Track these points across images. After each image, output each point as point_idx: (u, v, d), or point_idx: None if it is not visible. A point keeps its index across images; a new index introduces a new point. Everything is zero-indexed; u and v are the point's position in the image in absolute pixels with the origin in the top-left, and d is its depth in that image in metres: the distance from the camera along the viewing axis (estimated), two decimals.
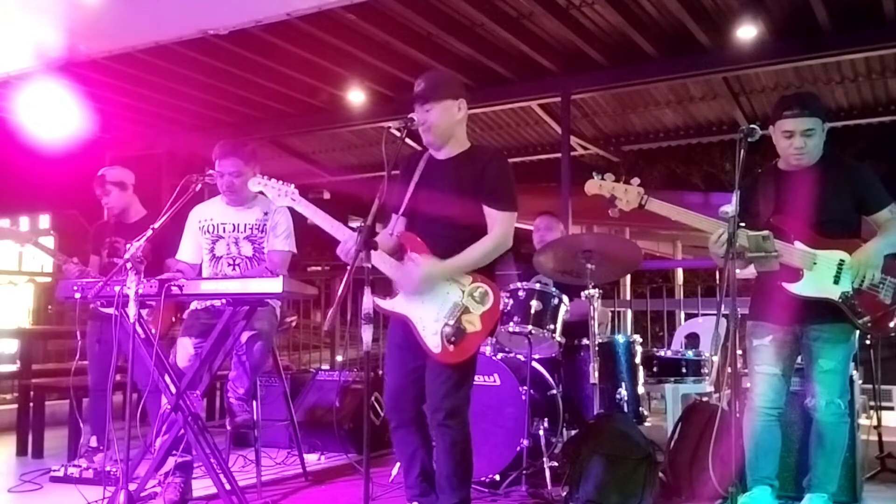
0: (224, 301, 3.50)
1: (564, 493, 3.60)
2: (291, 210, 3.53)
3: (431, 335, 2.99)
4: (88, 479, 4.07)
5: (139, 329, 3.28)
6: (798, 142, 3.27)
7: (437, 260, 3.02)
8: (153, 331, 3.89)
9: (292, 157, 9.34)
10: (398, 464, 4.14)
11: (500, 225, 3.05)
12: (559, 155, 6.92)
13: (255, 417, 3.99)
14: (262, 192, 3.30)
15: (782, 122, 3.29)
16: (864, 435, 4.06)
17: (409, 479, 3.20)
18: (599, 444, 3.59)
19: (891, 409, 6.57)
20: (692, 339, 5.59)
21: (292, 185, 3.23)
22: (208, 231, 4.00)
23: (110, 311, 3.99)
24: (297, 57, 6.27)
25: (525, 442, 3.95)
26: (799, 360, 3.44)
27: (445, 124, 3.10)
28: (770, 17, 5.54)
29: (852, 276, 3.19)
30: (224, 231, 3.99)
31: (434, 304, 3.01)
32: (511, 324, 4.13)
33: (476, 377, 4.05)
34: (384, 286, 3.10)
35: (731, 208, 2.99)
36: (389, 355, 3.22)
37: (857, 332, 3.35)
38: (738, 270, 3.01)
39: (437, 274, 3.01)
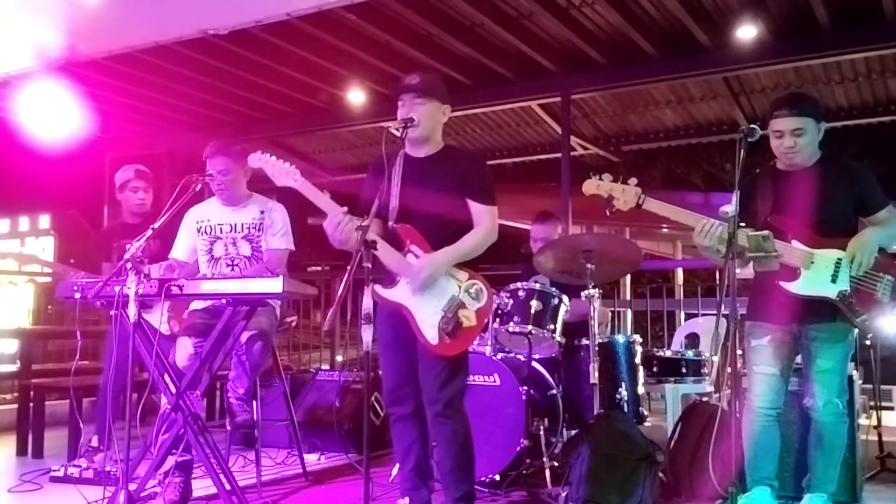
0: (224, 301, 3.50)
1: (564, 493, 3.60)
2: (289, 208, 3.54)
3: (430, 327, 3.05)
4: (88, 479, 4.07)
5: (140, 328, 3.28)
6: (788, 141, 3.29)
7: (437, 252, 3.09)
8: (177, 328, 3.90)
9: (292, 157, 9.26)
10: (398, 464, 4.16)
11: (487, 219, 3.17)
12: (559, 155, 6.91)
13: (255, 417, 3.99)
14: (257, 192, 3.31)
15: (773, 123, 3.34)
16: (863, 435, 4.06)
17: (402, 472, 3.26)
18: (599, 444, 3.59)
19: (891, 409, 6.55)
20: (692, 339, 5.59)
21: (293, 166, 3.29)
22: (206, 232, 4.00)
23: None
24: (297, 57, 6.27)
25: (525, 442, 3.95)
26: (798, 359, 3.44)
27: (431, 123, 3.19)
28: (770, 17, 5.54)
29: (848, 264, 3.19)
30: (221, 232, 3.99)
31: (433, 296, 3.08)
32: (511, 324, 4.13)
33: (476, 377, 4.09)
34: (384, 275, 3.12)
35: (731, 208, 3.00)
36: (383, 356, 3.28)
37: (856, 331, 3.36)
38: (737, 270, 3.02)
39: (439, 267, 3.08)
